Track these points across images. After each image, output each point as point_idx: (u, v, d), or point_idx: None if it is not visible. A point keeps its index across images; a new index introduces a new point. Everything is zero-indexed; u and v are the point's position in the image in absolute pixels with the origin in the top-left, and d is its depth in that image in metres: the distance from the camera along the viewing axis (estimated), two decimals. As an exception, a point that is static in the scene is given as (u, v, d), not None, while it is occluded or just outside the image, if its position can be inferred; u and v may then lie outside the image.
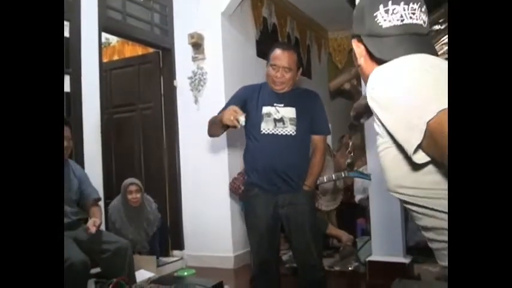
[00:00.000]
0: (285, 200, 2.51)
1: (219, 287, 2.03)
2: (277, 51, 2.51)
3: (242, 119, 2.32)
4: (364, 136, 4.05)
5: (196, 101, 4.74)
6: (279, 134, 2.50)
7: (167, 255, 4.53)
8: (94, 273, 3.07)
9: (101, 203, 3.49)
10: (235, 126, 2.37)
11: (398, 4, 1.09)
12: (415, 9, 1.09)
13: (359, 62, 1.20)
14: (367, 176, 3.76)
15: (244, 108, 2.50)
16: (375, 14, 1.11)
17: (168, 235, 4.63)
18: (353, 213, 5.11)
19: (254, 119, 2.53)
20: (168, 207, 4.74)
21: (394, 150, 1.04)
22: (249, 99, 2.56)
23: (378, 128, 1.06)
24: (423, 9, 1.11)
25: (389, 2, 1.10)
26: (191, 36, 4.65)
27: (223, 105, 4.50)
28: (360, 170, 4.35)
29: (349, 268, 4.15)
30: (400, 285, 2.09)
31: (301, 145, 2.58)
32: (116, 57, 5.46)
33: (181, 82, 4.81)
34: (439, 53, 6.68)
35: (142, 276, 3.35)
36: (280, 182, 2.50)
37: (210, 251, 4.57)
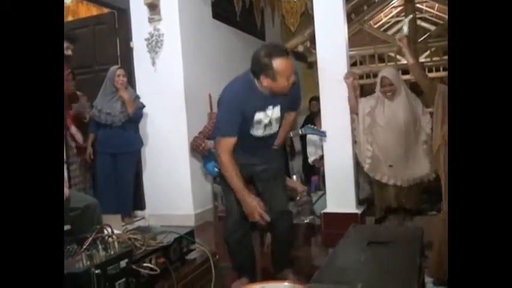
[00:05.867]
0: (256, 161, 2.71)
1: (191, 234, 2.16)
2: (282, 62, 2.30)
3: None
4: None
5: (153, 63, 4.75)
6: (265, 135, 2.61)
7: (129, 215, 4.61)
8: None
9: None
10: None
11: None
12: None
13: None
14: (322, 133, 3.98)
15: (241, 119, 2.48)
16: None
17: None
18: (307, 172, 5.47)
19: (245, 122, 2.51)
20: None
21: None
22: (245, 109, 2.47)
23: None
24: None
25: None
26: (147, -4, 4.62)
27: (180, 67, 4.60)
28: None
29: (305, 221, 4.40)
30: (357, 228, 2.28)
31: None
32: (70, 18, 5.32)
33: (138, 44, 4.80)
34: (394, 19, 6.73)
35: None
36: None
37: (171, 209, 4.67)
